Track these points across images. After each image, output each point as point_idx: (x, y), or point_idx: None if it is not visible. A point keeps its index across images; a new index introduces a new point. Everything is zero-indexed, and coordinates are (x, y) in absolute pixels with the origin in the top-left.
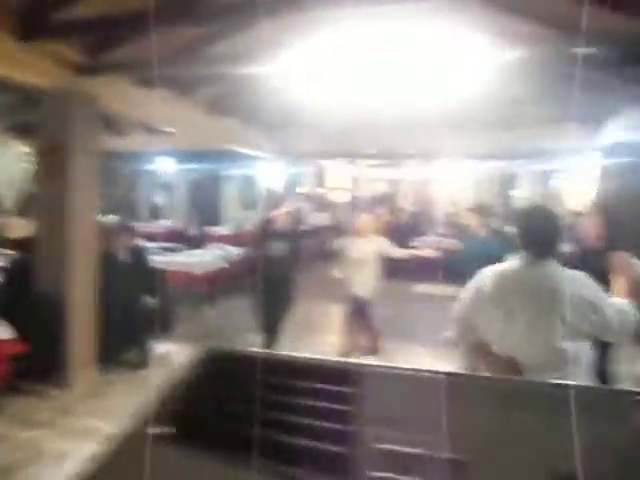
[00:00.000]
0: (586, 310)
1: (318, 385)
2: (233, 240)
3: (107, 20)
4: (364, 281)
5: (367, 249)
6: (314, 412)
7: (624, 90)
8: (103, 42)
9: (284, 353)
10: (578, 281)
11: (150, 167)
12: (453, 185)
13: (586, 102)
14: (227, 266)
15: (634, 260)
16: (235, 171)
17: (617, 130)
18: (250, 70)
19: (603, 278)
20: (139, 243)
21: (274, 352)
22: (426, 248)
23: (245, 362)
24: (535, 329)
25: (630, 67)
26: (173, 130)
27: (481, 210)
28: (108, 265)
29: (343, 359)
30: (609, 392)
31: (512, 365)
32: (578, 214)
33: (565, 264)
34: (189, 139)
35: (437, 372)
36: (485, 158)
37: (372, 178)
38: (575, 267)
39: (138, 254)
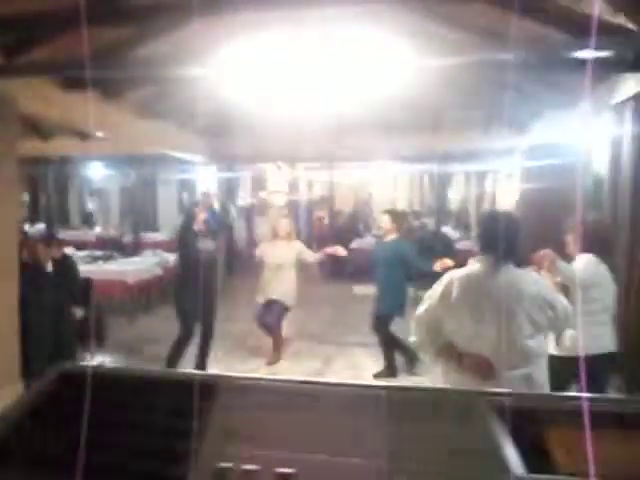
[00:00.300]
0: (545, 307)
1: (169, 400)
2: (170, 246)
3: (27, 18)
4: (281, 286)
5: (284, 254)
6: (160, 429)
7: (546, 95)
8: (22, 42)
9: (139, 368)
10: (536, 281)
11: (81, 173)
12: (389, 187)
13: (512, 106)
14: (162, 273)
15: (557, 259)
16: (171, 176)
17: (539, 133)
18: (182, 72)
19: None
20: (66, 252)
21: (129, 368)
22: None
23: (95, 380)
24: (506, 329)
25: (551, 73)
26: (101, 134)
27: (394, 212)
28: (31, 277)
29: (201, 372)
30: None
31: (485, 364)
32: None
33: None
34: (121, 143)
35: (304, 382)
36: (419, 160)
37: (310, 181)
38: None
39: (65, 264)
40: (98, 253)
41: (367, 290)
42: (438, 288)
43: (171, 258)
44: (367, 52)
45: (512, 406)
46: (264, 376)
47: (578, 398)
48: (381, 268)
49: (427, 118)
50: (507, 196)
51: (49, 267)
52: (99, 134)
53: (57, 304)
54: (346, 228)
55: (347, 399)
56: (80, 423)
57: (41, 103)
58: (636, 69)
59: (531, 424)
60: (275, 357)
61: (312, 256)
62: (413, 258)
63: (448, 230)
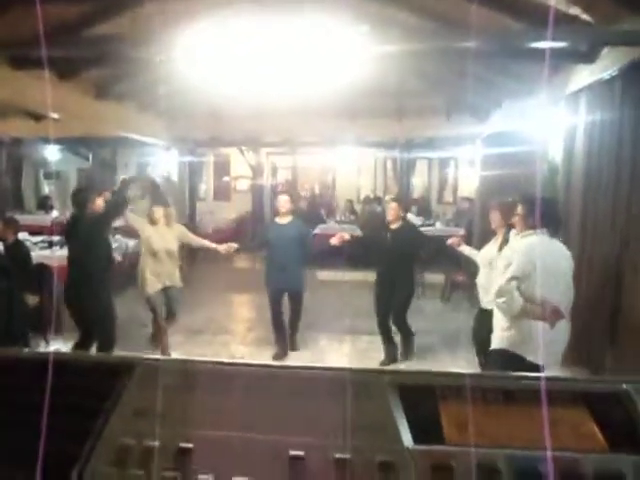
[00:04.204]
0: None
1: (83, 381)
2: (129, 231)
3: None
4: (166, 272)
5: (167, 239)
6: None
7: (505, 84)
8: None
9: (58, 352)
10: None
11: (36, 155)
12: (352, 172)
13: (473, 94)
14: (120, 259)
15: (463, 245)
16: (131, 159)
17: (499, 121)
18: (141, 53)
19: None
20: (19, 237)
21: (47, 352)
22: None
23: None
24: (564, 287)
25: (509, 62)
26: (56, 116)
27: (293, 194)
28: None
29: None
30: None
31: (558, 312)
32: (469, 200)
33: None
34: (78, 125)
35: (217, 363)
36: (382, 146)
37: (274, 166)
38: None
39: (17, 249)
40: (54, 238)
41: (332, 276)
42: (517, 259)
43: (131, 243)
44: (329, 38)
45: (412, 384)
46: (178, 357)
47: (465, 375)
48: (279, 248)
49: (390, 105)
50: (468, 182)
51: (1, 252)
52: (54, 115)
53: (8, 290)
54: (309, 213)
55: (253, 379)
56: None
57: None
58: (590, 60)
59: (427, 400)
60: (163, 348)
61: (195, 240)
62: (310, 237)
63: (411, 216)
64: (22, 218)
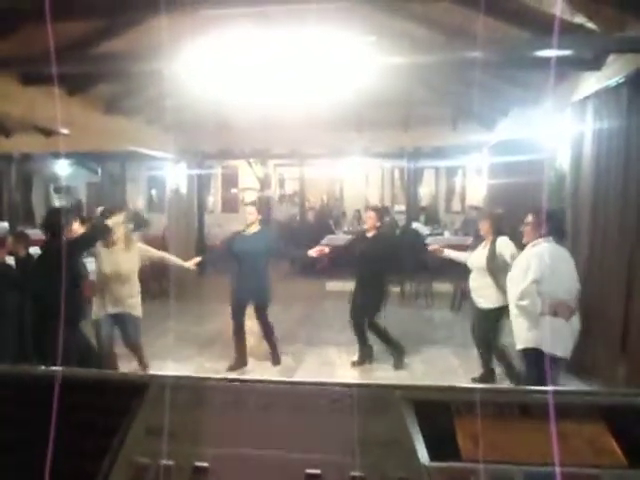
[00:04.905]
0: None
1: (98, 400)
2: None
3: None
4: (114, 298)
5: (120, 261)
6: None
7: (511, 92)
8: None
9: (71, 369)
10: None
11: (46, 170)
12: (360, 183)
13: (479, 103)
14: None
15: (447, 251)
16: (140, 173)
17: (505, 129)
18: (148, 68)
19: None
20: (30, 251)
21: (59, 369)
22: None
23: (28, 382)
24: (570, 285)
25: (516, 71)
26: (66, 131)
27: (261, 204)
28: None
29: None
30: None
31: (570, 309)
32: (477, 208)
33: None
34: (88, 140)
35: (230, 380)
36: (389, 157)
37: (281, 177)
38: None
39: (29, 263)
40: None
41: (341, 286)
42: (534, 264)
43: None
44: (336, 49)
45: (426, 398)
46: (193, 375)
47: (487, 390)
48: (245, 260)
49: (397, 115)
50: (476, 191)
51: (13, 266)
52: (64, 131)
53: (19, 304)
54: (317, 224)
55: (267, 395)
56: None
57: (0, 99)
58: (596, 67)
59: (442, 415)
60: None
61: (157, 254)
62: (281, 246)
63: (419, 226)
64: (33, 233)
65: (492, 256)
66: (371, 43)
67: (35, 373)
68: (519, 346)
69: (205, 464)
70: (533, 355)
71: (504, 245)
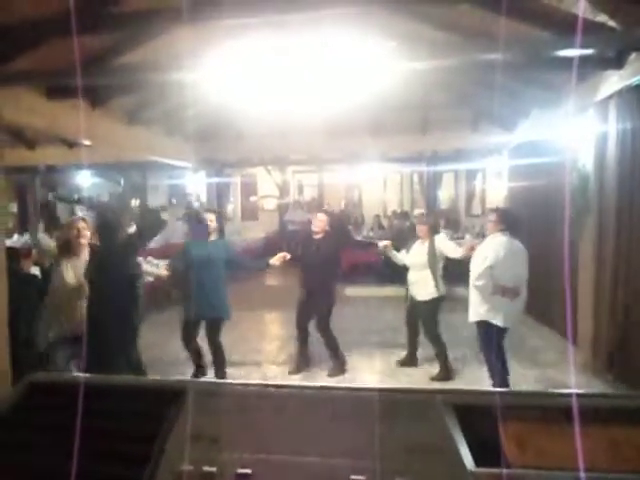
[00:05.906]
0: None
1: (137, 406)
2: (162, 253)
3: (10, 28)
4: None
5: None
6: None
7: (532, 93)
8: (6, 51)
9: (107, 376)
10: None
11: (70, 181)
12: (379, 188)
13: (499, 105)
14: (152, 280)
15: (392, 251)
16: (161, 182)
17: (526, 131)
18: (169, 78)
19: None
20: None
21: (97, 376)
22: None
23: (66, 388)
24: (520, 270)
25: (536, 72)
26: (89, 143)
27: (219, 212)
28: (19, 284)
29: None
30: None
31: (516, 291)
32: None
33: None
34: (110, 151)
35: (268, 385)
36: (408, 161)
37: (300, 184)
38: None
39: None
40: None
41: (359, 291)
42: (491, 253)
43: (161, 264)
44: (355, 54)
45: (468, 403)
46: (230, 381)
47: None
48: (201, 269)
49: (415, 119)
50: (496, 194)
51: (39, 276)
52: (87, 142)
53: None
54: (337, 230)
55: (305, 401)
56: (48, 431)
57: (26, 112)
58: (618, 66)
59: (485, 420)
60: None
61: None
62: (238, 256)
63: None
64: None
65: (432, 252)
66: (391, 48)
67: (71, 380)
68: (473, 319)
69: (248, 471)
70: (484, 326)
71: (442, 241)
